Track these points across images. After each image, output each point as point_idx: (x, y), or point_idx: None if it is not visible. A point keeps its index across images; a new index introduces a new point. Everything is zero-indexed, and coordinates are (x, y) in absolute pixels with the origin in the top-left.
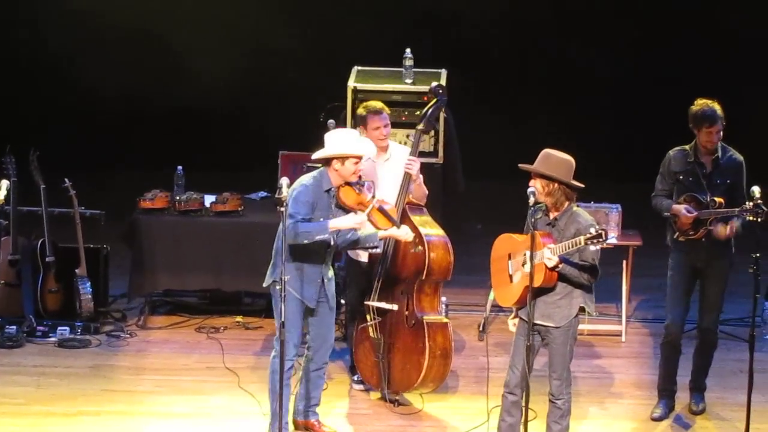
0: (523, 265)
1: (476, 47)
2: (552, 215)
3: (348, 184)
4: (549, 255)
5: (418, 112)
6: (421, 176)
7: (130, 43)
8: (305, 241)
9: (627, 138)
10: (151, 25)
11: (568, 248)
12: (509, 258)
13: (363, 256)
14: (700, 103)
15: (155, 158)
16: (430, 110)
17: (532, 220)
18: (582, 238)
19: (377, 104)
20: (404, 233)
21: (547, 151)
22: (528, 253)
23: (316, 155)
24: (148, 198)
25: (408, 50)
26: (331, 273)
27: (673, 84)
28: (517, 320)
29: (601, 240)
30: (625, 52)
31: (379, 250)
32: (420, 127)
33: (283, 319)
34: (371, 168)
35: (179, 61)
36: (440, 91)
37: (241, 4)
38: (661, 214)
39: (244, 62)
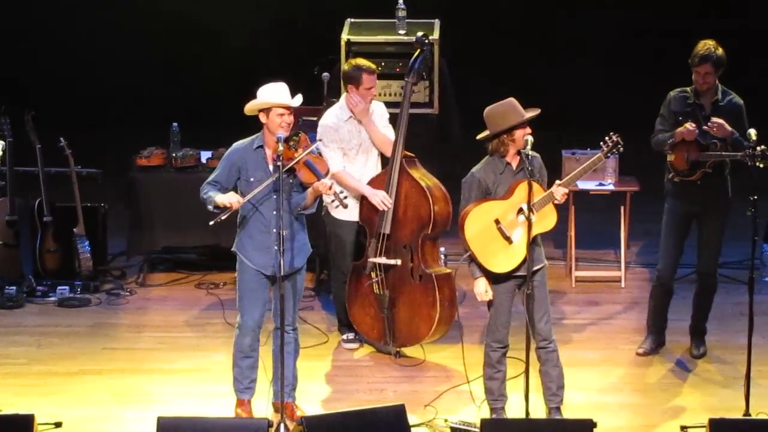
0: (527, 217)
1: None
2: (515, 163)
3: (284, 140)
4: (563, 190)
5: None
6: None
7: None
8: (206, 206)
9: (623, 83)
10: None
11: (583, 173)
12: (498, 223)
13: (344, 215)
14: (700, 44)
15: (150, 115)
16: (417, 60)
17: (500, 173)
18: (601, 154)
19: (371, 64)
20: (323, 185)
21: (498, 105)
22: (524, 205)
23: (244, 110)
24: (144, 155)
25: (401, 1)
26: (296, 242)
27: (672, 31)
28: (486, 284)
29: (619, 145)
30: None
31: (311, 212)
32: (409, 78)
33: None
34: (353, 127)
35: (172, 14)
36: (425, 40)
37: None
38: (662, 149)
39: (234, 19)
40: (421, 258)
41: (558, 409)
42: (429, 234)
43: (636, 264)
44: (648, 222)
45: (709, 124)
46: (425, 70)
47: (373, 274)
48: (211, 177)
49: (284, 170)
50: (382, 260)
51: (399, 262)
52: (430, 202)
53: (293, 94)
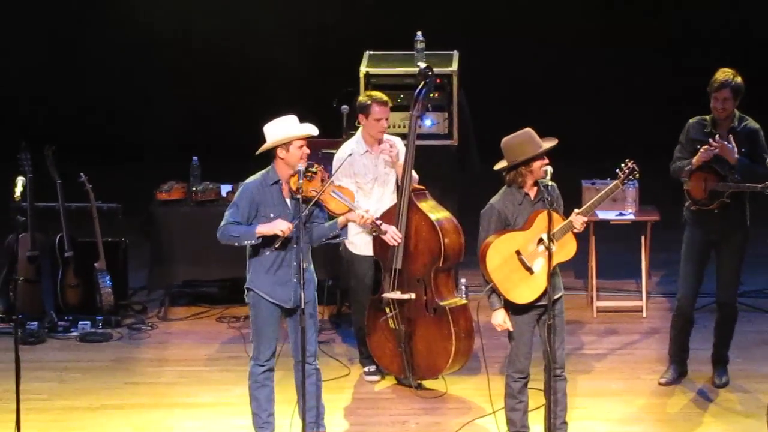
0: (546, 247)
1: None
2: (533, 193)
3: (297, 173)
4: (582, 219)
5: (431, 95)
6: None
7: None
8: (235, 244)
9: (642, 114)
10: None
11: (601, 201)
12: (519, 254)
13: (362, 249)
14: (719, 71)
15: (170, 149)
16: (421, 92)
17: (519, 204)
18: (617, 181)
19: (383, 95)
20: (357, 216)
21: (514, 136)
22: (544, 235)
23: (260, 150)
24: (165, 189)
25: (419, 33)
26: (307, 273)
27: (684, 56)
28: (504, 315)
29: (635, 172)
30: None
31: (343, 239)
32: (413, 111)
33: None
34: (369, 161)
35: (194, 49)
36: (429, 72)
37: None
38: (680, 176)
39: (255, 51)
40: (434, 291)
41: None
42: (441, 267)
43: (657, 293)
44: (669, 251)
45: (712, 142)
46: (429, 102)
47: (387, 309)
48: (230, 218)
49: (312, 204)
50: (396, 295)
51: (413, 296)
52: (440, 235)
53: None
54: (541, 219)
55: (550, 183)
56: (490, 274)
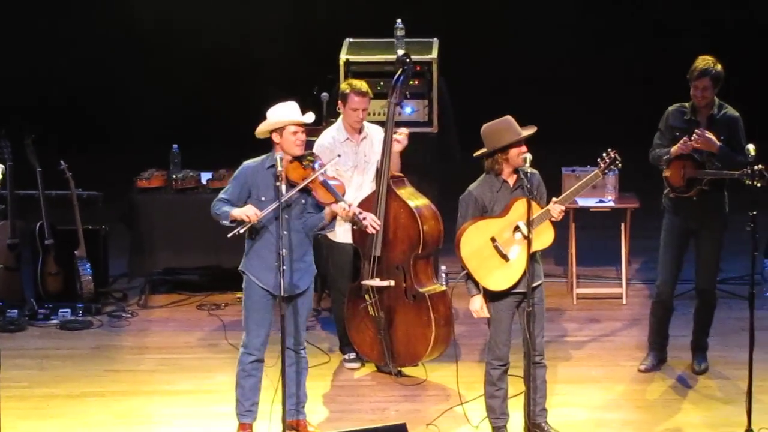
0: (524, 235)
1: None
2: (512, 180)
3: (297, 159)
4: (560, 208)
5: (411, 82)
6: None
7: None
8: (220, 222)
9: (622, 101)
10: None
11: (580, 189)
12: (494, 241)
13: (341, 237)
14: (699, 59)
15: (150, 137)
16: (399, 80)
17: (497, 191)
18: (598, 170)
19: (363, 85)
20: (340, 208)
21: (494, 123)
22: (521, 223)
23: (256, 132)
24: (145, 177)
25: (399, 20)
26: (303, 263)
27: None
28: (482, 301)
29: (617, 161)
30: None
31: (329, 230)
32: (391, 99)
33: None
34: (349, 149)
35: (171, 34)
36: (407, 60)
37: None
38: (659, 164)
39: (234, 38)
40: (414, 278)
41: (546, 423)
42: (420, 254)
43: (637, 281)
44: (649, 239)
45: (693, 136)
46: (407, 89)
47: (367, 297)
48: (222, 194)
49: (299, 189)
50: (375, 282)
51: (392, 283)
52: (419, 222)
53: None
54: (518, 206)
55: (530, 170)
56: (465, 261)
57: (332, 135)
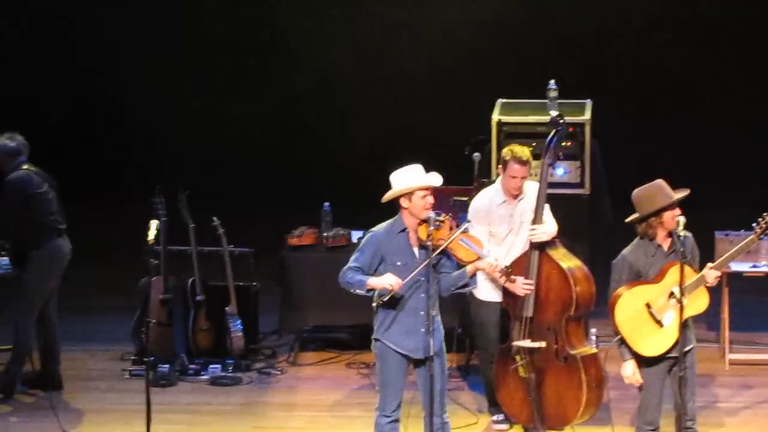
0: (678, 301)
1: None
2: (666, 245)
3: (424, 221)
4: (715, 273)
5: (564, 144)
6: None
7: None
8: (350, 291)
9: None
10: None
11: (736, 255)
12: (649, 307)
13: (487, 295)
14: None
15: (302, 194)
16: (552, 141)
17: (652, 256)
18: (754, 235)
19: (525, 153)
20: (487, 264)
21: (646, 187)
22: (675, 289)
23: (384, 198)
24: (296, 235)
25: (552, 81)
26: (436, 323)
27: None
28: (634, 367)
29: None
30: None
31: (472, 288)
32: (545, 159)
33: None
34: (505, 211)
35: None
36: (560, 121)
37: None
38: None
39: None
40: (565, 339)
41: None
42: (572, 315)
43: None
44: None
45: None
46: (561, 150)
47: (518, 358)
48: (352, 263)
49: (438, 252)
50: (526, 343)
51: (543, 344)
52: (572, 283)
53: (441, 174)
54: (673, 272)
55: (684, 233)
56: (619, 326)
57: (489, 197)
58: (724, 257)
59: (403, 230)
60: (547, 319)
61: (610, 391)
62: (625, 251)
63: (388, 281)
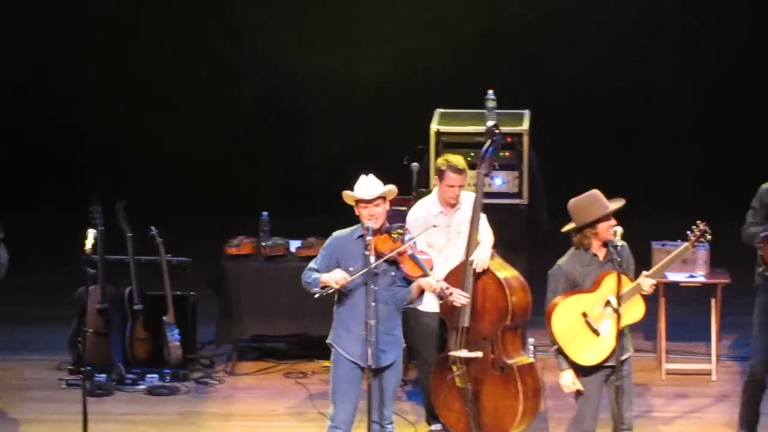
0: (614, 309)
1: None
2: (601, 254)
3: (387, 232)
4: (651, 281)
5: (502, 153)
6: (485, 223)
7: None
8: (309, 291)
9: (714, 175)
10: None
11: (670, 263)
12: (585, 316)
13: (427, 306)
14: None
15: (240, 204)
16: (488, 151)
17: (587, 265)
18: (688, 243)
19: (460, 162)
20: (427, 284)
21: (581, 197)
22: (611, 297)
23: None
24: (234, 244)
25: (490, 92)
26: (391, 336)
27: (761, 118)
28: (573, 377)
29: (707, 234)
30: (714, 86)
31: (417, 305)
32: (480, 170)
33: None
34: (442, 222)
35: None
36: (495, 131)
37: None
38: (752, 244)
39: (325, 108)
40: (501, 349)
41: None
42: (508, 325)
43: (728, 357)
44: (740, 314)
45: None
46: (497, 160)
47: (454, 368)
48: (312, 264)
49: (384, 260)
50: (463, 353)
51: (480, 354)
52: (507, 293)
53: (385, 183)
54: (609, 281)
55: (620, 243)
56: (556, 336)
57: (426, 208)
58: (659, 265)
59: (361, 236)
60: (483, 328)
61: (548, 401)
62: (561, 261)
63: (333, 277)
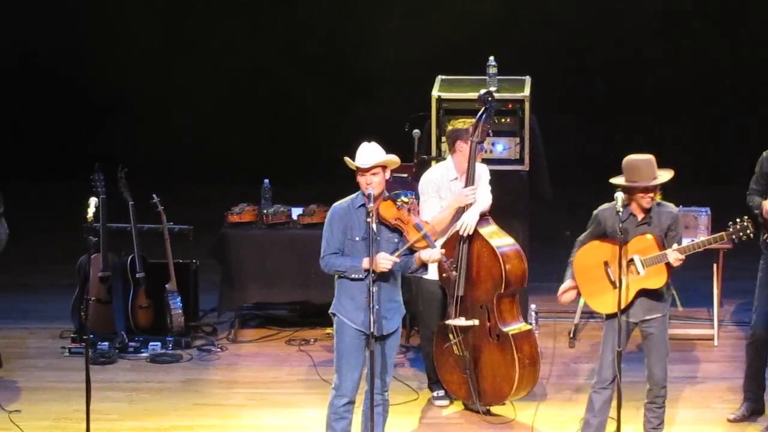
0: (637, 271)
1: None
2: (640, 215)
3: (391, 199)
4: (678, 255)
5: (503, 120)
6: (486, 186)
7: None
8: (347, 276)
9: (718, 140)
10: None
11: (702, 246)
12: (606, 266)
13: (430, 274)
14: None
15: (242, 171)
16: (481, 118)
17: (620, 224)
18: (724, 233)
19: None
20: (427, 255)
21: (634, 159)
22: (636, 257)
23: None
24: (236, 212)
25: (492, 58)
26: (394, 303)
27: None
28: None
29: (749, 230)
30: (718, 53)
31: (423, 274)
32: (473, 138)
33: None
34: (456, 188)
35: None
36: (489, 98)
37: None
38: (755, 211)
39: (322, 78)
40: (498, 317)
41: None
42: (503, 293)
43: (729, 322)
44: (741, 280)
45: None
46: (491, 127)
47: (451, 336)
48: (327, 249)
49: (392, 231)
50: (459, 322)
51: (476, 322)
52: (501, 261)
53: (388, 152)
54: (638, 241)
55: (670, 206)
56: (576, 274)
57: (441, 172)
58: (691, 244)
59: (362, 205)
60: (478, 296)
61: (552, 367)
62: (603, 206)
63: (384, 265)
